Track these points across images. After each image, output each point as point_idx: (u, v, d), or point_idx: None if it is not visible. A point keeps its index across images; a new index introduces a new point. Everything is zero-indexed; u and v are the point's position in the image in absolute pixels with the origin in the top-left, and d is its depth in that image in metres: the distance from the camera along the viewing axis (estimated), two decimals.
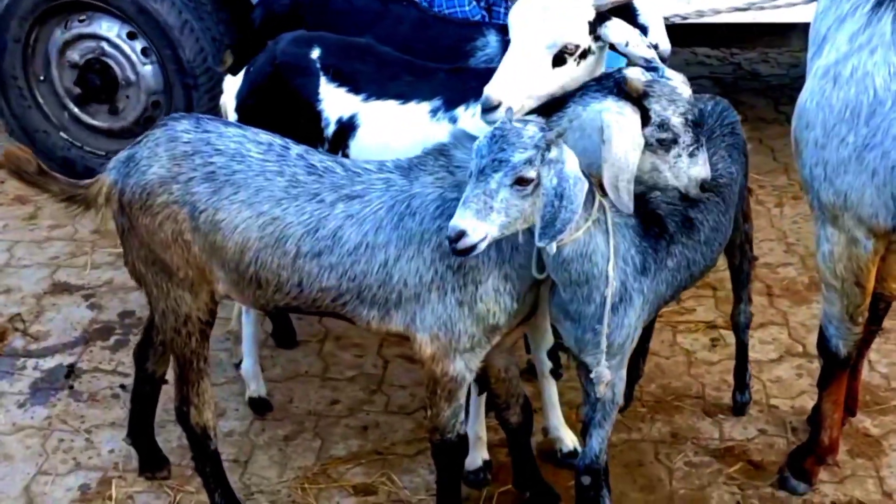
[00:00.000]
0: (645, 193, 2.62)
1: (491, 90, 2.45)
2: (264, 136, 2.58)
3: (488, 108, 2.44)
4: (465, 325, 2.51)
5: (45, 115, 4.61)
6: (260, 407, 3.46)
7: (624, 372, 2.65)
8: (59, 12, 4.44)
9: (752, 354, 3.65)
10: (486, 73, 2.55)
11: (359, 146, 2.80)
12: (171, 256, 2.58)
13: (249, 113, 2.98)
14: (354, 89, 2.85)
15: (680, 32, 3.75)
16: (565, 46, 2.47)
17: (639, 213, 2.54)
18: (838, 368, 2.96)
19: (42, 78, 4.56)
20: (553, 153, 2.26)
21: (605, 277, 2.43)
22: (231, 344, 3.72)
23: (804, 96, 2.60)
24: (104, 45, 4.41)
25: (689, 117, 2.40)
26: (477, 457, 3.11)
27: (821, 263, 2.77)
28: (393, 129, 2.70)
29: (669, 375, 3.61)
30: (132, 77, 4.44)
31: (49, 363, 3.71)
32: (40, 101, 4.60)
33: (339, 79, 2.87)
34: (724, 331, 3.81)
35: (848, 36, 2.50)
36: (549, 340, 3.11)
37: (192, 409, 2.80)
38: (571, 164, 2.29)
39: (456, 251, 2.24)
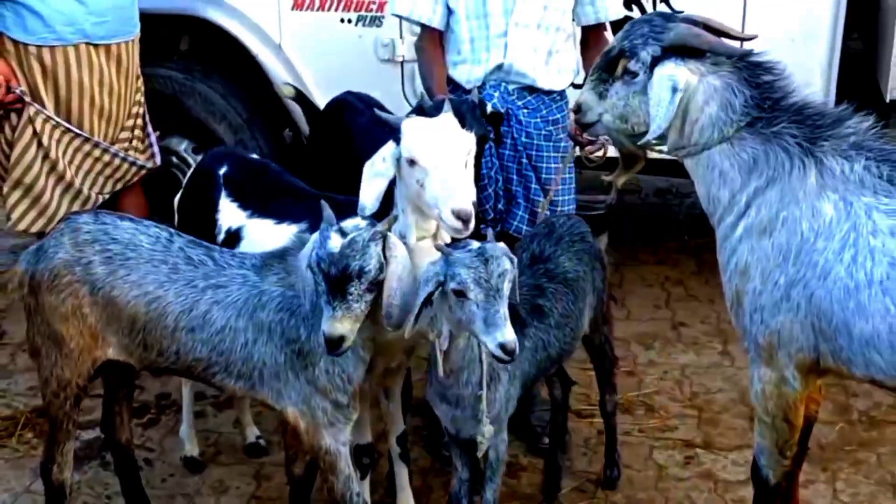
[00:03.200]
0: None
1: (466, 204, 2.78)
2: (154, 230, 3.11)
3: (467, 220, 2.78)
4: (317, 401, 2.97)
5: None
6: (193, 465, 3.98)
7: (505, 435, 3.11)
8: None
9: (723, 475, 3.90)
10: (346, 203, 3.01)
11: None
12: (67, 328, 3.08)
13: (182, 209, 3.62)
14: (244, 206, 3.40)
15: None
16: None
17: None
18: (769, 496, 3.18)
19: None
20: (504, 250, 2.75)
21: (480, 362, 2.88)
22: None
23: (742, 254, 2.85)
24: (172, 157, 5.02)
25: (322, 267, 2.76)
26: None
27: (754, 401, 3.04)
28: (268, 244, 3.16)
29: (637, 487, 3.85)
30: None
31: (90, 434, 4.20)
32: None
33: (234, 194, 3.42)
34: (701, 450, 4.04)
35: (778, 195, 2.78)
36: (400, 427, 3.48)
37: (55, 468, 3.27)
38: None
39: (515, 359, 2.71)
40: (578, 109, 3.02)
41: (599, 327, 3.56)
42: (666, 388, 4.47)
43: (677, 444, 4.09)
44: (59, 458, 3.27)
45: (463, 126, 3.01)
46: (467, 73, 3.63)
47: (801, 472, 3.79)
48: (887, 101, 4.34)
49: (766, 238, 2.79)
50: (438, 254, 3.16)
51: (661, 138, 2.94)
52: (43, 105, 3.94)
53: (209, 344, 3.03)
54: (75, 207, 4.09)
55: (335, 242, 2.76)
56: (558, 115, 3.66)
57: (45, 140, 3.97)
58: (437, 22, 3.62)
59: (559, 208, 3.70)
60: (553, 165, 3.68)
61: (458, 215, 2.77)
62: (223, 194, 3.44)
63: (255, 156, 3.77)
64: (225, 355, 3.03)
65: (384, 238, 2.82)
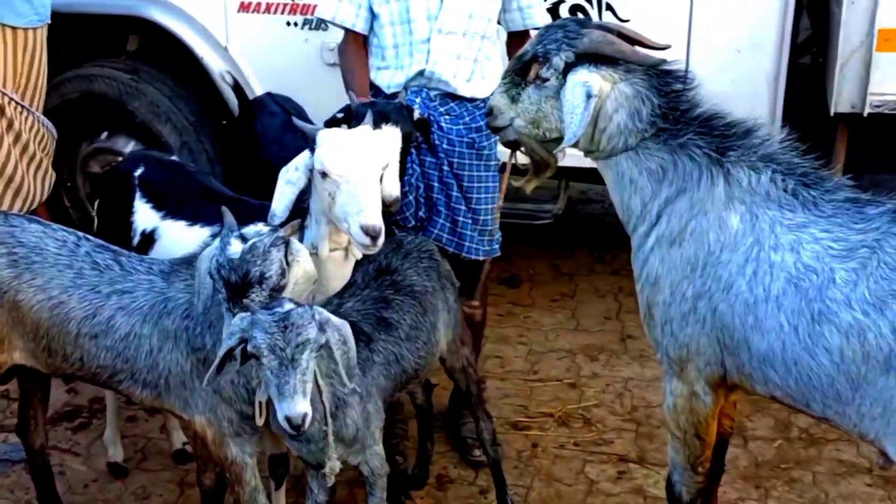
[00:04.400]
0: (332, 303, 3.01)
1: (377, 220, 2.79)
2: (61, 234, 3.07)
3: (376, 236, 2.79)
4: (222, 410, 2.90)
5: (70, 217, 5.18)
6: (116, 471, 3.91)
7: (378, 448, 3.02)
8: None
9: (653, 491, 3.83)
10: (259, 208, 2.94)
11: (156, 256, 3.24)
12: None
13: (101, 209, 3.60)
14: (157, 207, 3.35)
15: None
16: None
17: None
18: None
19: (69, 184, 5.15)
20: (318, 316, 2.59)
21: (321, 401, 2.75)
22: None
23: (653, 264, 2.82)
24: (119, 158, 4.96)
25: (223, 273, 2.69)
26: None
27: (667, 415, 2.99)
28: (181, 246, 3.13)
29: (565, 501, 3.78)
30: None
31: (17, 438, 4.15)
32: (66, 204, 5.18)
33: (148, 195, 3.38)
34: (634, 465, 3.97)
35: (688, 205, 2.75)
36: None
37: None
38: (331, 315, 2.64)
39: (303, 433, 2.59)
40: (490, 112, 2.98)
41: (458, 350, 3.42)
42: (606, 400, 4.40)
43: (611, 458, 4.03)
44: None
45: (387, 123, 2.99)
46: (389, 78, 3.58)
47: (731, 489, 3.77)
48: (832, 114, 4.28)
49: (675, 249, 2.74)
50: (350, 265, 3.12)
51: (555, 142, 2.92)
52: (17, 87, 3.95)
53: (113, 351, 2.97)
54: (47, 185, 4.10)
55: (235, 248, 2.71)
56: (482, 122, 3.60)
57: (16, 125, 3.96)
58: (360, 26, 3.57)
59: (481, 217, 3.64)
60: (476, 173, 3.61)
61: (367, 231, 2.77)
62: (137, 195, 3.40)
63: (174, 157, 3.72)
64: (130, 363, 2.97)
65: (287, 244, 2.76)
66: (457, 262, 3.74)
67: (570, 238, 5.84)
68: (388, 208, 2.98)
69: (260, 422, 2.76)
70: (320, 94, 4.22)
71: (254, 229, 2.77)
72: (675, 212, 2.74)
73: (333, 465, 2.85)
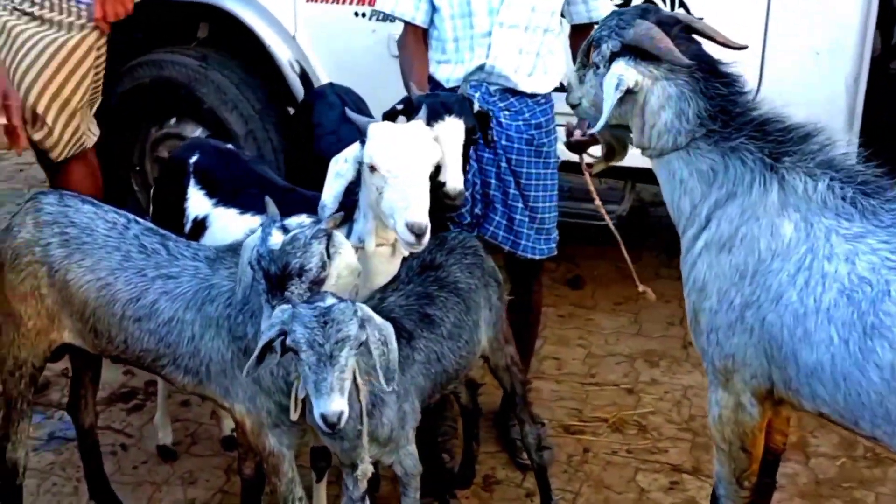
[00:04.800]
0: (374, 298, 2.95)
1: (423, 218, 2.74)
2: (111, 216, 3.08)
3: (421, 234, 2.74)
4: (262, 400, 2.87)
5: (137, 200, 5.24)
6: (165, 454, 3.94)
7: (412, 447, 2.93)
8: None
9: None
10: (312, 199, 2.91)
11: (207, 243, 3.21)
12: (25, 308, 3.07)
13: (157, 196, 3.61)
14: (210, 194, 3.33)
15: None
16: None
17: None
18: None
19: (137, 168, 5.21)
20: (360, 312, 2.53)
21: (357, 398, 2.66)
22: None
23: (700, 269, 2.72)
24: None
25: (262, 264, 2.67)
26: None
27: (712, 427, 2.87)
28: (232, 234, 3.10)
29: None
30: None
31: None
32: (135, 188, 5.24)
33: (202, 182, 3.36)
34: (688, 476, 3.85)
35: (739, 210, 2.64)
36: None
37: (9, 445, 3.24)
38: (375, 314, 2.58)
39: (339, 431, 2.52)
40: (568, 88, 2.99)
41: (502, 347, 3.30)
42: (664, 408, 4.29)
43: (664, 467, 3.91)
44: (14, 436, 3.26)
45: (450, 115, 2.97)
46: (449, 72, 3.52)
47: None
48: None
49: (724, 254, 2.63)
50: (397, 261, 3.07)
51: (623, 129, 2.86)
52: None
53: (156, 335, 2.97)
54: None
55: (276, 239, 2.68)
56: (542, 119, 3.52)
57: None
58: (420, 19, 3.52)
59: (538, 215, 3.55)
60: (534, 171, 3.53)
61: (412, 229, 2.72)
62: (192, 182, 3.39)
63: (229, 146, 3.72)
64: (172, 348, 2.96)
65: (329, 236, 2.72)
66: (512, 261, 3.68)
67: (637, 240, 5.70)
68: (452, 201, 2.93)
69: (294, 416, 2.72)
70: (386, 85, 4.16)
71: (296, 220, 2.74)
72: (725, 216, 2.63)
73: (365, 468, 2.78)
